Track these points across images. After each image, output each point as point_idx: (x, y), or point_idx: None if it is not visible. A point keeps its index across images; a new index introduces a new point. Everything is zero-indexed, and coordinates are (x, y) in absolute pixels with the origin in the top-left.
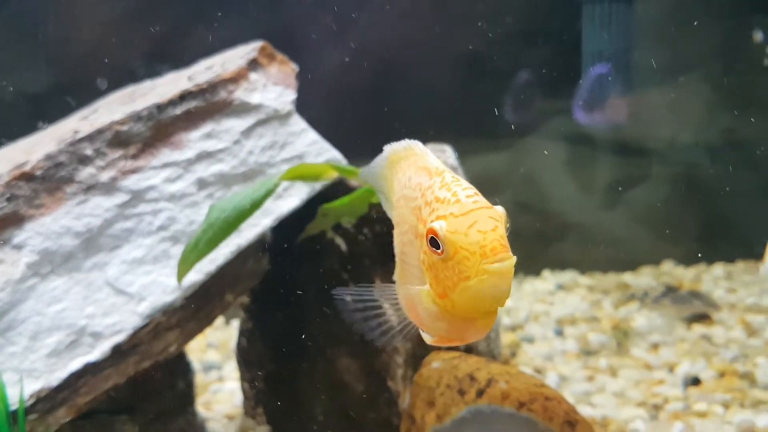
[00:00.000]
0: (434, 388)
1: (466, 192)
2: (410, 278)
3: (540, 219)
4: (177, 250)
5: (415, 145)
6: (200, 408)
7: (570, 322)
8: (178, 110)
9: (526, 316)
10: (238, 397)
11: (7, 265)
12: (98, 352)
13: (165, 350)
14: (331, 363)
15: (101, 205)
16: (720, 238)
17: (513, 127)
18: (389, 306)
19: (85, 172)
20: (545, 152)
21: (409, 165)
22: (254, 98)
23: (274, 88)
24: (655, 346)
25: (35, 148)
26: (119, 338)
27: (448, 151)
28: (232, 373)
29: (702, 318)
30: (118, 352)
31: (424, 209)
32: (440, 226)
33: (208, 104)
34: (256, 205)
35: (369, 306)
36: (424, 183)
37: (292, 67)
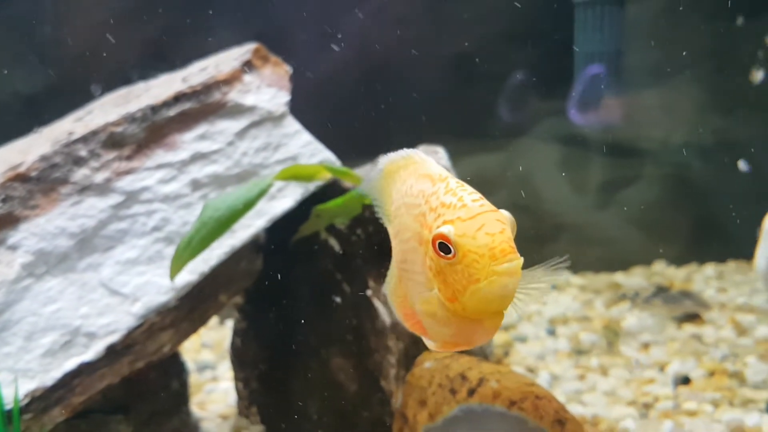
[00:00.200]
0: (426, 388)
1: (471, 196)
2: (411, 287)
3: (533, 219)
4: (171, 251)
5: (415, 153)
6: (194, 408)
7: (562, 322)
8: (173, 112)
9: (518, 315)
10: (232, 397)
11: (2, 266)
12: (93, 352)
13: (159, 350)
14: (324, 363)
15: (96, 206)
16: (711, 238)
17: (506, 128)
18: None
19: (80, 173)
20: (539, 153)
21: (409, 173)
22: (248, 100)
23: (267, 89)
24: (645, 346)
25: (30, 149)
26: (113, 338)
27: (441, 152)
28: (226, 372)
29: (693, 317)
30: (113, 352)
31: (428, 215)
32: (449, 231)
33: (202, 106)
34: (249, 205)
35: None
36: (428, 190)
37: (286, 69)
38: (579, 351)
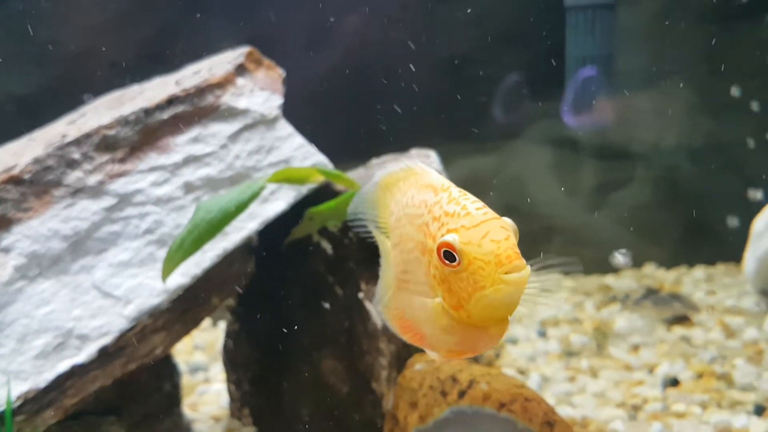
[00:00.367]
0: (417, 390)
1: (475, 205)
2: (413, 297)
3: (526, 221)
4: (163, 254)
5: (415, 165)
6: (187, 409)
7: (553, 324)
8: (166, 115)
9: (510, 317)
10: (224, 399)
11: None
12: (85, 354)
13: (151, 352)
14: (316, 365)
15: (88, 209)
16: (701, 241)
17: (499, 131)
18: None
19: (73, 176)
20: (531, 156)
21: (409, 184)
22: (241, 103)
23: (260, 93)
24: (635, 348)
25: (24, 151)
26: (106, 340)
27: (432, 156)
28: (218, 374)
29: (682, 320)
30: (105, 354)
31: (432, 225)
32: (453, 239)
33: (195, 109)
34: (241, 207)
35: None
36: (430, 199)
37: (279, 72)
38: (569, 353)
